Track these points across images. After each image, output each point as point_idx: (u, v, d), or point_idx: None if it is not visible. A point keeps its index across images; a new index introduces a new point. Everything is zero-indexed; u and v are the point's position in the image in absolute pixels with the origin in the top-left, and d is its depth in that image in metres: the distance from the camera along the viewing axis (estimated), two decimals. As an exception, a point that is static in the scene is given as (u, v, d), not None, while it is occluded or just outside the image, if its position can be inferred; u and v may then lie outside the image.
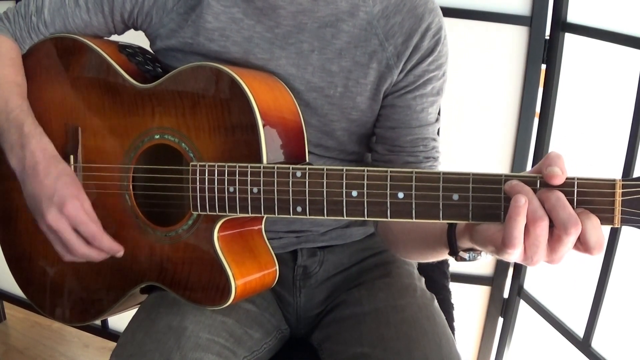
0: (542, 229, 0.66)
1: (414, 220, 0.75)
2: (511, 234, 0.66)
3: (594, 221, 0.65)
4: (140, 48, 1.06)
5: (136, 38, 1.07)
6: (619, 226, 0.66)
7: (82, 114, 1.01)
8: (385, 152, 1.01)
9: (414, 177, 0.74)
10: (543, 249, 0.67)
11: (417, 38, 0.96)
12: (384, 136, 1.01)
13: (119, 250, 0.96)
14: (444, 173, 0.73)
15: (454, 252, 0.80)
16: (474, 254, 0.79)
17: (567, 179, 0.67)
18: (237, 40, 0.96)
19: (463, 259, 0.80)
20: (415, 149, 0.99)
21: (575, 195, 0.66)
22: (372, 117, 1.02)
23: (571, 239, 0.65)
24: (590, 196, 0.66)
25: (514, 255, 0.68)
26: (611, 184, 0.66)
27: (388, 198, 0.75)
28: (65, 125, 1.02)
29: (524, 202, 0.65)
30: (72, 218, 0.91)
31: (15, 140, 0.95)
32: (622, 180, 0.65)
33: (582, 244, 0.66)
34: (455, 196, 0.72)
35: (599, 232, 0.65)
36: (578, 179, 0.67)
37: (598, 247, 0.65)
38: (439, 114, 1.04)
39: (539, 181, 0.68)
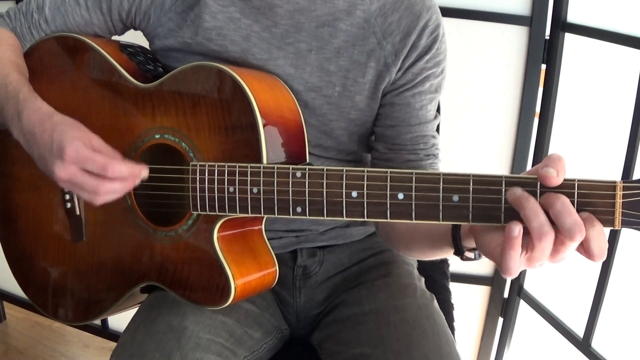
0: (548, 242, 0.65)
1: (414, 221, 0.75)
2: (507, 266, 0.67)
3: (597, 229, 0.65)
4: (141, 47, 1.06)
5: (136, 38, 1.07)
6: (619, 228, 0.66)
7: (82, 113, 1.01)
8: (385, 151, 1.01)
9: (414, 178, 0.74)
10: (547, 257, 0.67)
11: (415, 36, 0.96)
12: (384, 134, 1.01)
13: (141, 171, 0.88)
14: (444, 174, 0.73)
15: (459, 252, 0.80)
16: (479, 253, 0.78)
17: (567, 180, 0.67)
18: (235, 39, 0.96)
19: (469, 258, 0.80)
20: (415, 146, 0.99)
21: (576, 197, 0.66)
22: (371, 116, 1.01)
23: (575, 243, 0.65)
24: (590, 198, 0.66)
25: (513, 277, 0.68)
26: (612, 185, 0.65)
27: (388, 199, 0.75)
28: (66, 124, 1.02)
29: (517, 233, 0.65)
30: (75, 160, 0.84)
31: (13, 111, 0.92)
32: (623, 182, 0.65)
33: (585, 251, 0.66)
34: (456, 197, 0.72)
35: (602, 240, 0.65)
36: (579, 180, 0.67)
37: (600, 255, 0.65)
38: (438, 110, 1.05)
39: (539, 183, 0.68)
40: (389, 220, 0.76)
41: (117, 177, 0.85)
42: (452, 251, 0.81)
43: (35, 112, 0.90)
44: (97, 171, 0.84)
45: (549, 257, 0.67)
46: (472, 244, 0.78)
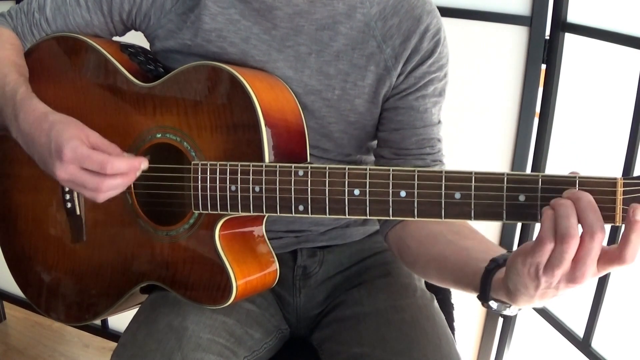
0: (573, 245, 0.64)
1: (416, 218, 0.75)
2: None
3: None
4: (141, 48, 1.06)
5: (137, 39, 1.07)
6: (620, 224, 0.66)
7: (83, 113, 1.01)
8: (391, 157, 1.00)
9: (416, 176, 0.74)
10: (568, 264, 0.65)
11: (416, 39, 0.96)
12: (389, 139, 1.00)
13: (140, 164, 0.88)
14: (446, 172, 0.73)
15: (484, 298, 0.76)
16: (501, 305, 0.76)
17: (568, 176, 0.67)
18: (235, 41, 0.96)
19: (490, 307, 0.76)
20: (421, 150, 0.98)
21: (577, 194, 0.66)
22: (371, 120, 1.01)
23: (595, 248, 0.64)
24: (591, 194, 0.66)
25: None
26: (612, 182, 0.66)
27: (390, 197, 0.75)
28: (66, 124, 1.02)
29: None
30: (74, 160, 0.84)
31: (11, 113, 0.92)
32: (624, 179, 0.65)
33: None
34: (457, 195, 0.72)
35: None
36: (580, 177, 0.67)
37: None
38: None
39: (540, 179, 0.68)
40: (391, 217, 0.76)
41: (116, 173, 0.85)
42: (476, 294, 0.78)
43: (31, 112, 0.89)
44: (96, 169, 0.84)
45: (569, 269, 0.65)
46: (502, 297, 0.74)
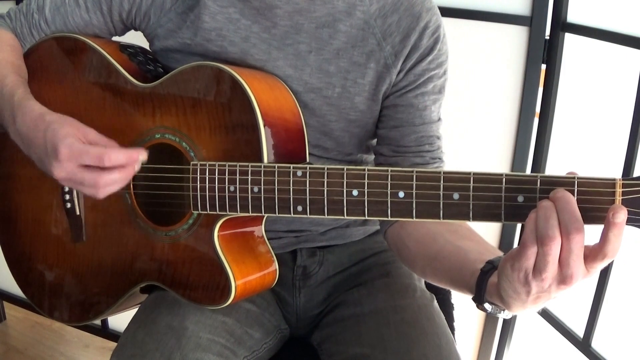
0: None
1: (414, 219, 0.74)
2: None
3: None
4: (141, 48, 1.06)
5: (137, 39, 1.07)
6: None
7: (82, 113, 1.01)
8: (391, 154, 1.00)
9: (414, 177, 0.74)
10: (554, 267, 0.65)
11: (415, 37, 0.96)
12: (388, 136, 1.01)
13: (139, 155, 0.86)
14: (445, 172, 0.73)
15: (479, 300, 0.76)
16: (496, 309, 0.76)
17: (567, 177, 0.67)
18: (234, 40, 0.96)
19: (485, 310, 0.76)
20: (420, 148, 0.98)
21: (576, 195, 0.66)
22: (371, 117, 1.01)
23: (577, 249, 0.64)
24: (590, 195, 0.66)
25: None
26: (611, 183, 0.66)
27: (389, 197, 0.75)
28: (66, 124, 1.02)
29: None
30: (70, 157, 0.83)
31: (9, 116, 0.92)
32: (622, 180, 0.65)
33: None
34: (456, 195, 0.72)
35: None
36: (578, 178, 0.67)
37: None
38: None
39: (539, 180, 0.68)
40: (389, 218, 0.76)
41: (115, 166, 0.84)
42: (472, 295, 0.78)
43: (28, 114, 0.89)
44: (94, 163, 0.83)
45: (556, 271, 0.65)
46: (495, 300, 0.74)
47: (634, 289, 1.44)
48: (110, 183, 0.85)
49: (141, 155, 0.87)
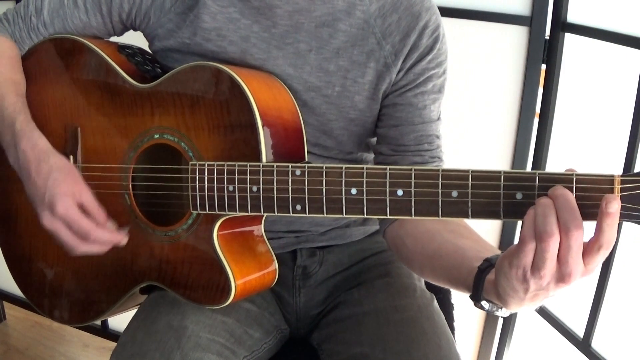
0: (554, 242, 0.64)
1: (413, 217, 0.74)
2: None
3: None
4: (139, 49, 1.06)
5: (135, 39, 1.08)
6: (619, 221, 0.66)
7: (81, 114, 1.01)
8: (390, 153, 1.00)
9: (412, 175, 0.74)
10: (553, 263, 0.65)
11: (415, 36, 0.96)
12: (388, 135, 1.01)
13: (120, 240, 0.94)
14: (443, 170, 0.73)
15: (476, 298, 0.76)
16: (493, 307, 0.76)
17: (565, 174, 0.67)
18: (234, 40, 0.97)
19: (482, 308, 0.76)
20: (420, 147, 0.98)
21: (574, 191, 0.66)
22: (371, 116, 1.01)
23: (576, 244, 0.63)
24: (589, 192, 0.66)
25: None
26: (609, 179, 0.66)
27: (387, 195, 0.75)
28: (65, 125, 1.02)
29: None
30: (63, 218, 0.89)
31: (10, 140, 0.94)
32: (621, 176, 0.65)
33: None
34: (455, 193, 0.72)
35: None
36: (577, 174, 0.67)
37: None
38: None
39: (537, 177, 0.68)
40: (388, 217, 0.75)
41: (96, 242, 0.92)
42: (469, 293, 0.78)
43: (32, 148, 0.93)
44: (80, 235, 0.90)
45: (555, 268, 0.65)
46: (492, 298, 0.74)
47: (634, 289, 1.44)
48: (86, 252, 0.92)
49: (123, 240, 0.94)
